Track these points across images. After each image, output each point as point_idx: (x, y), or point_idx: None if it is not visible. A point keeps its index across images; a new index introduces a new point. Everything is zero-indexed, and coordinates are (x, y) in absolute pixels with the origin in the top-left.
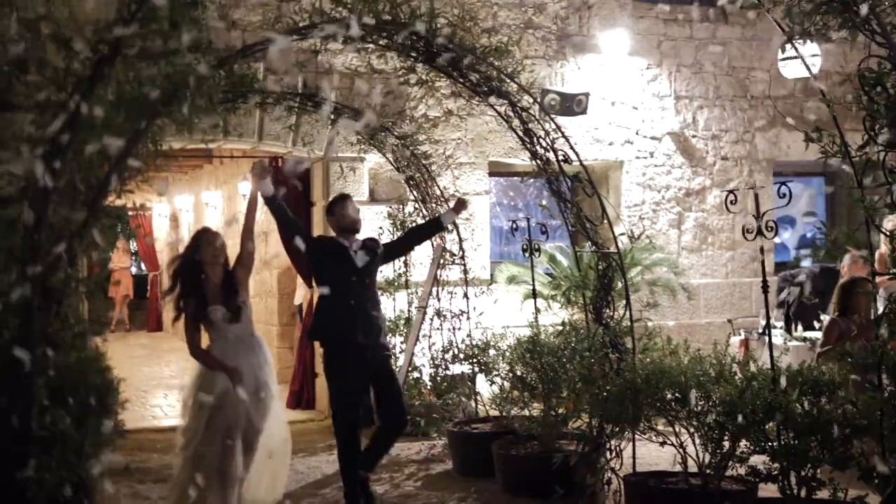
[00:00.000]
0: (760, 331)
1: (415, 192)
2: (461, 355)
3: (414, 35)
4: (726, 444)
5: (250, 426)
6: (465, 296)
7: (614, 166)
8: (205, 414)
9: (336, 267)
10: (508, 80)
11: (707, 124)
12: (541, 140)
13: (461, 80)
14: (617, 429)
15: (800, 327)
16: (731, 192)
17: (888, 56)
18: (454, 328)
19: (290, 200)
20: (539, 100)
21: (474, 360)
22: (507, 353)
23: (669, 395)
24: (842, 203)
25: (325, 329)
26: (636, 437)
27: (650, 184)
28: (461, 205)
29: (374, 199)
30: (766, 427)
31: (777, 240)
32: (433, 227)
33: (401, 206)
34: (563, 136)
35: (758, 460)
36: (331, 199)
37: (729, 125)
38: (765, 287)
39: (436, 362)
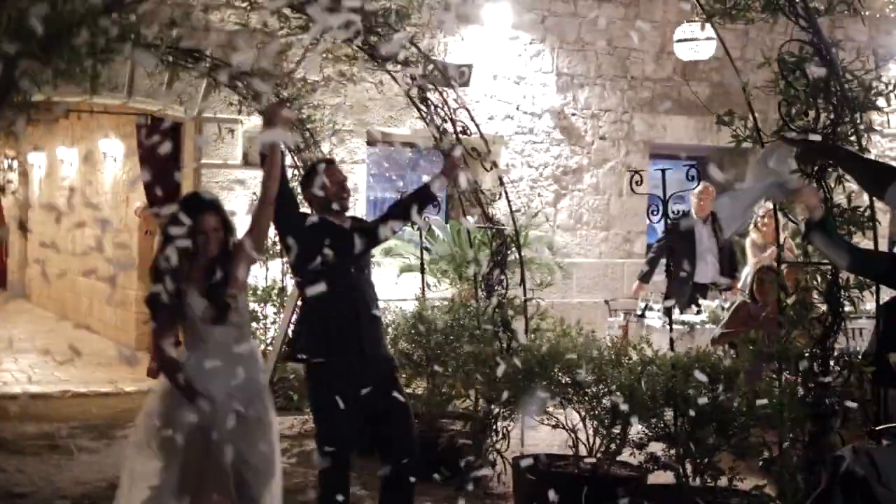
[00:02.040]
0: (639, 313)
1: (295, 158)
2: None
3: None
4: (618, 429)
5: (243, 466)
6: None
7: (495, 141)
8: (173, 457)
9: (331, 255)
10: (409, 46)
11: (587, 103)
12: (439, 110)
13: (361, 43)
14: (507, 410)
15: (676, 309)
16: (636, 172)
17: (809, 41)
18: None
19: (154, 163)
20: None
21: None
22: (391, 329)
23: (564, 378)
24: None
25: (319, 341)
26: (525, 419)
27: (528, 160)
28: (454, 165)
29: (247, 163)
30: (662, 413)
31: (647, 222)
32: (422, 199)
33: None
34: (465, 107)
35: (654, 447)
36: (310, 164)
37: (609, 105)
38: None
39: None
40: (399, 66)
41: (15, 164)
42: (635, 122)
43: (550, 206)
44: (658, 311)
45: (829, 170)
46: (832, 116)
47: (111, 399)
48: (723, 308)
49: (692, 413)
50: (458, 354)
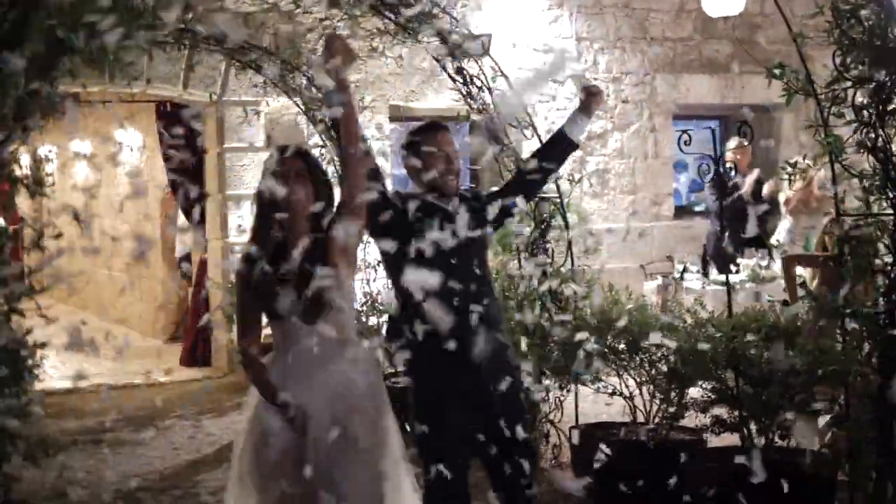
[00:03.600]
0: (678, 275)
1: (324, 136)
2: (379, 307)
3: None
4: (675, 394)
5: (329, 487)
6: None
7: None
8: (271, 489)
9: (428, 241)
10: (442, 15)
11: (608, 66)
12: (474, 80)
13: (392, 15)
14: (560, 381)
15: (714, 271)
16: (684, 131)
17: None
18: (368, 279)
19: (176, 148)
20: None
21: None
22: None
23: (621, 345)
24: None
25: (418, 344)
26: (578, 389)
27: (552, 128)
28: (593, 96)
29: (270, 144)
30: (724, 375)
31: (673, 184)
32: (564, 145)
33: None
34: (503, 75)
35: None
36: (412, 129)
37: (629, 67)
38: None
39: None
40: (432, 38)
41: (53, 156)
42: (657, 84)
43: (577, 172)
44: (697, 272)
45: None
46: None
47: (147, 390)
48: (760, 266)
49: (754, 373)
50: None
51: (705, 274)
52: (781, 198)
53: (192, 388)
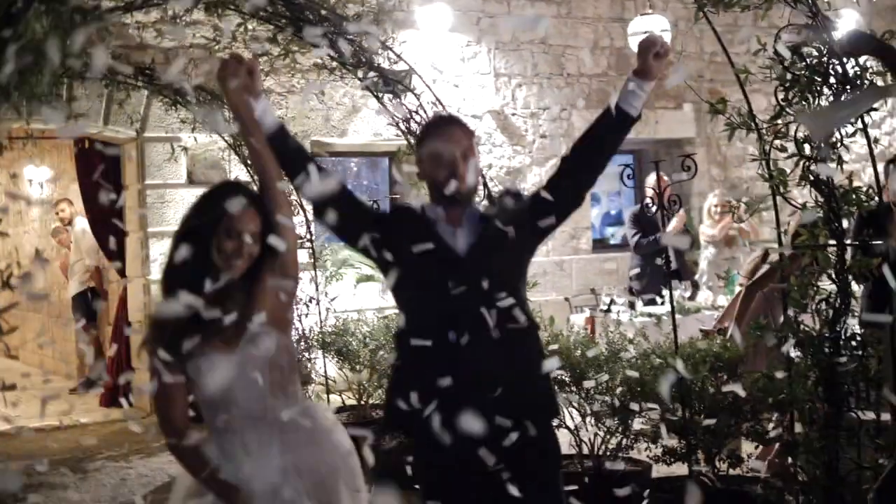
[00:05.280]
0: (604, 308)
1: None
2: (315, 343)
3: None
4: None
5: None
6: (314, 280)
7: None
8: None
9: (420, 265)
10: (382, 51)
11: (526, 102)
12: (414, 115)
13: (331, 51)
14: None
15: (639, 303)
16: (626, 166)
17: (806, 24)
18: (300, 315)
19: (95, 186)
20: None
21: (332, 347)
22: (368, 340)
23: (565, 377)
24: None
25: (411, 402)
26: None
27: None
28: (651, 54)
29: (192, 181)
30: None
31: (590, 219)
32: (620, 119)
33: None
34: (444, 108)
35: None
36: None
37: (547, 103)
38: None
39: None
40: (371, 73)
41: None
42: (574, 119)
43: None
44: (623, 304)
45: None
46: (832, 98)
47: (69, 432)
48: (683, 297)
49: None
50: None
51: (632, 306)
52: (702, 231)
53: (112, 430)
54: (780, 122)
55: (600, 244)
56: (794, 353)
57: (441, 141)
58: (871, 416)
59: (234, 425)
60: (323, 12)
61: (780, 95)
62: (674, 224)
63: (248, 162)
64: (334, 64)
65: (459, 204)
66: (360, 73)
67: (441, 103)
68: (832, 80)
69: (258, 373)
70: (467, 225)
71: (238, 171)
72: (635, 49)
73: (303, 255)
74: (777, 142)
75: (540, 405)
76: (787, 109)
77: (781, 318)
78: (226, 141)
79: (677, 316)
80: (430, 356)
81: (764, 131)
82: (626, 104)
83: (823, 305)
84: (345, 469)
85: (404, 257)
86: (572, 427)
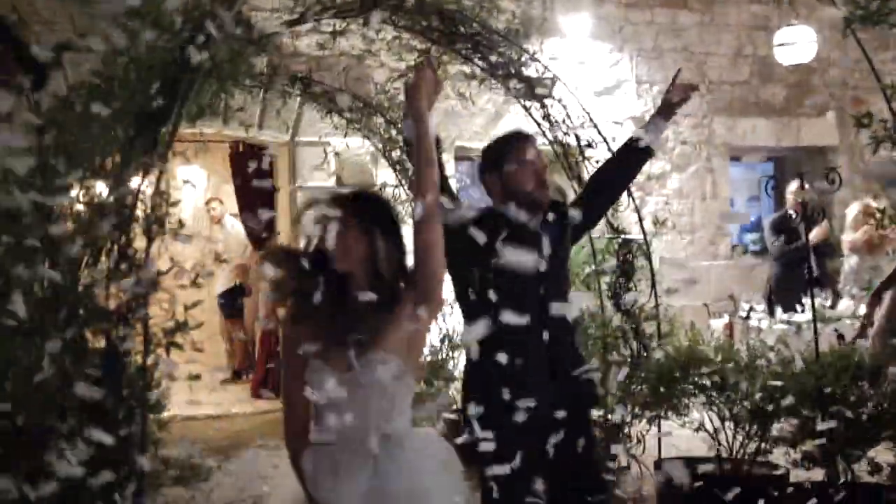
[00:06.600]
0: (744, 314)
1: (399, 176)
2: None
3: (439, 15)
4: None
5: None
6: None
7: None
8: None
9: (511, 265)
10: (530, 62)
11: None
12: (560, 124)
13: (481, 62)
14: (642, 416)
15: (779, 310)
16: (771, 177)
17: None
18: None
19: (250, 188)
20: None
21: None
22: None
23: (708, 381)
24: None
25: (490, 385)
26: (661, 424)
27: None
28: (677, 97)
29: (340, 183)
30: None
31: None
32: (639, 153)
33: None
34: (591, 119)
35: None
36: (495, 139)
37: (688, 110)
38: None
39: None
40: (520, 84)
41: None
42: (715, 126)
43: (635, 212)
44: (762, 311)
45: None
46: None
47: (222, 421)
48: (824, 306)
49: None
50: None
51: (771, 313)
52: (844, 239)
53: (267, 419)
54: None
55: (739, 250)
56: None
57: (531, 153)
58: None
59: (329, 442)
60: (475, 25)
61: None
62: (816, 233)
63: (397, 167)
64: (479, 72)
65: (542, 211)
66: (508, 84)
67: (585, 110)
68: None
69: (365, 398)
70: (546, 232)
71: (385, 175)
72: (779, 59)
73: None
74: None
75: (589, 392)
76: None
77: None
78: (376, 146)
79: (818, 324)
80: (523, 354)
81: None
82: (648, 139)
83: None
84: (437, 491)
85: (499, 263)
86: (711, 430)
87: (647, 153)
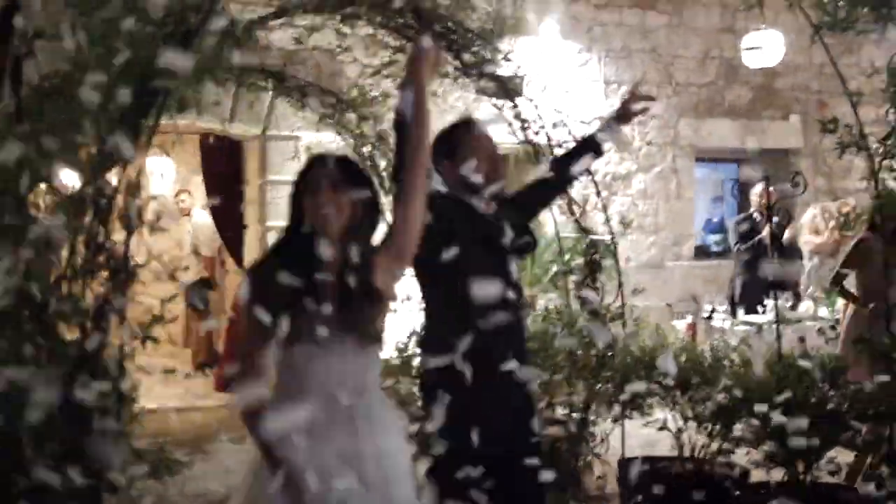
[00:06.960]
0: (706, 315)
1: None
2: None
3: (414, 12)
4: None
5: None
6: None
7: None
8: None
9: (476, 248)
10: (503, 62)
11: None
12: (531, 124)
13: (455, 60)
14: (606, 415)
15: (741, 311)
16: (735, 180)
17: None
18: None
19: (218, 180)
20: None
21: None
22: None
23: (671, 380)
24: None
25: (456, 415)
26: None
27: None
28: (632, 106)
29: None
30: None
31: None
32: (589, 153)
33: None
34: (562, 119)
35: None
36: (445, 128)
37: (654, 111)
38: None
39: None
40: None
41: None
42: (681, 127)
43: (600, 212)
44: (724, 311)
45: None
46: None
47: (187, 414)
48: (785, 307)
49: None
50: (556, 362)
51: (733, 314)
52: (803, 241)
53: (232, 413)
54: (890, 141)
55: (702, 251)
56: None
57: (484, 140)
58: None
59: (305, 401)
60: (450, 24)
61: (893, 116)
62: (788, 234)
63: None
64: (451, 70)
65: (499, 198)
66: (480, 82)
67: (557, 110)
68: None
69: (342, 359)
70: (496, 215)
71: None
72: (747, 62)
73: None
74: (886, 161)
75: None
76: None
77: None
78: (345, 141)
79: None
80: (492, 338)
81: (873, 151)
82: (600, 140)
83: None
84: (404, 458)
85: (468, 249)
86: (674, 429)
87: (596, 154)
